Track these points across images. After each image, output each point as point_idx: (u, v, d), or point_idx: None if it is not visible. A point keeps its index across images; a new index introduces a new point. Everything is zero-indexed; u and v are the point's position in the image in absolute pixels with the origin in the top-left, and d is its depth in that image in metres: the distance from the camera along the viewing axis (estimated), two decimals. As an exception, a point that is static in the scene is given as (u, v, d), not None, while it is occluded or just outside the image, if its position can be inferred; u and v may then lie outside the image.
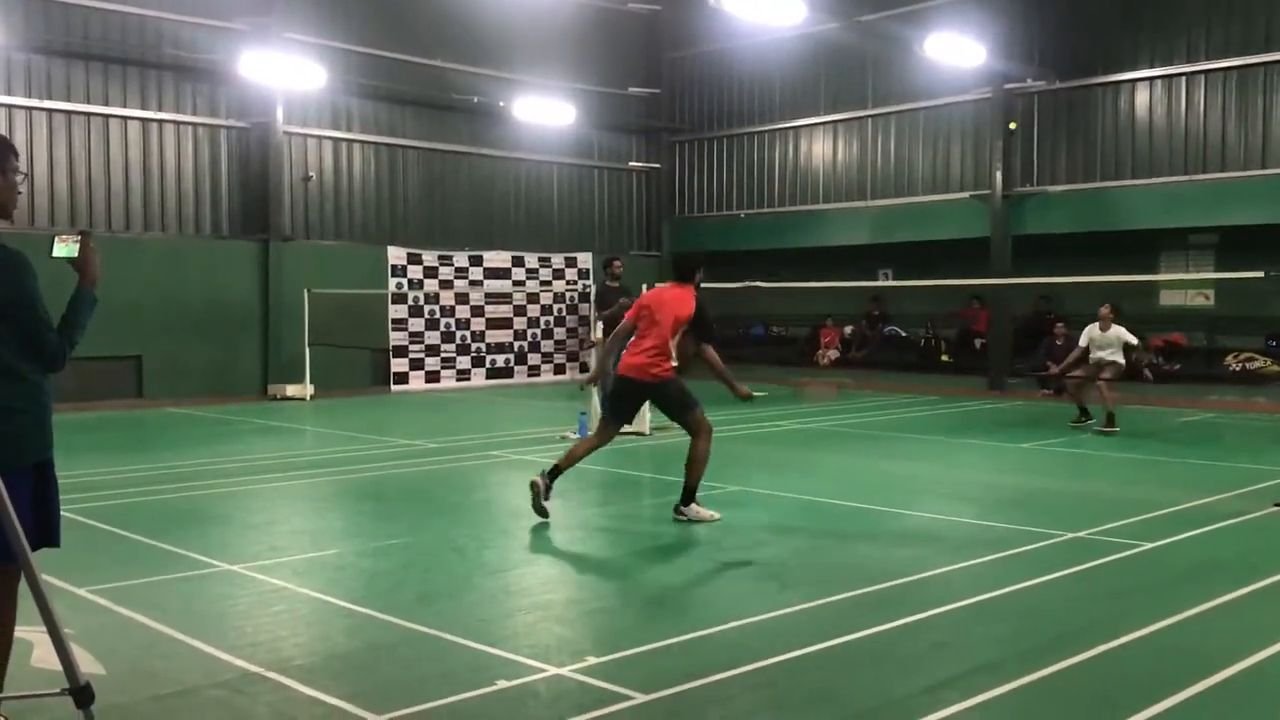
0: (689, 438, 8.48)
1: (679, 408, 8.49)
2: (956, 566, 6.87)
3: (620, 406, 8.70)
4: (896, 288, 22.54)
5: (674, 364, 8.42)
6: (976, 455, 12.43)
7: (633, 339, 8.55)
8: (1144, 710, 4.37)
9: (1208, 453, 12.62)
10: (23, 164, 4.15)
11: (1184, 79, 18.57)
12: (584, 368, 22.07)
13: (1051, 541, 7.56)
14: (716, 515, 8.35)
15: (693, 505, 8.37)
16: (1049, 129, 20.11)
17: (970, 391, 19.80)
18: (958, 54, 18.33)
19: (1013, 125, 20.11)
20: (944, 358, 22.00)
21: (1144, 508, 8.75)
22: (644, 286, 14.30)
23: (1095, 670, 4.91)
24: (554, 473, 8.44)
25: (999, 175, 20.18)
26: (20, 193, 4.07)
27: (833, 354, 23.21)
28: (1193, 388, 18.31)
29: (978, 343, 21.39)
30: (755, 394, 9.18)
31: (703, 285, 8.68)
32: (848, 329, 23.47)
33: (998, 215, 20.17)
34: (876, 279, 22.66)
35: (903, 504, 9.11)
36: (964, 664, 5.02)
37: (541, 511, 8.24)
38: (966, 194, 20.82)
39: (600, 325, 14.58)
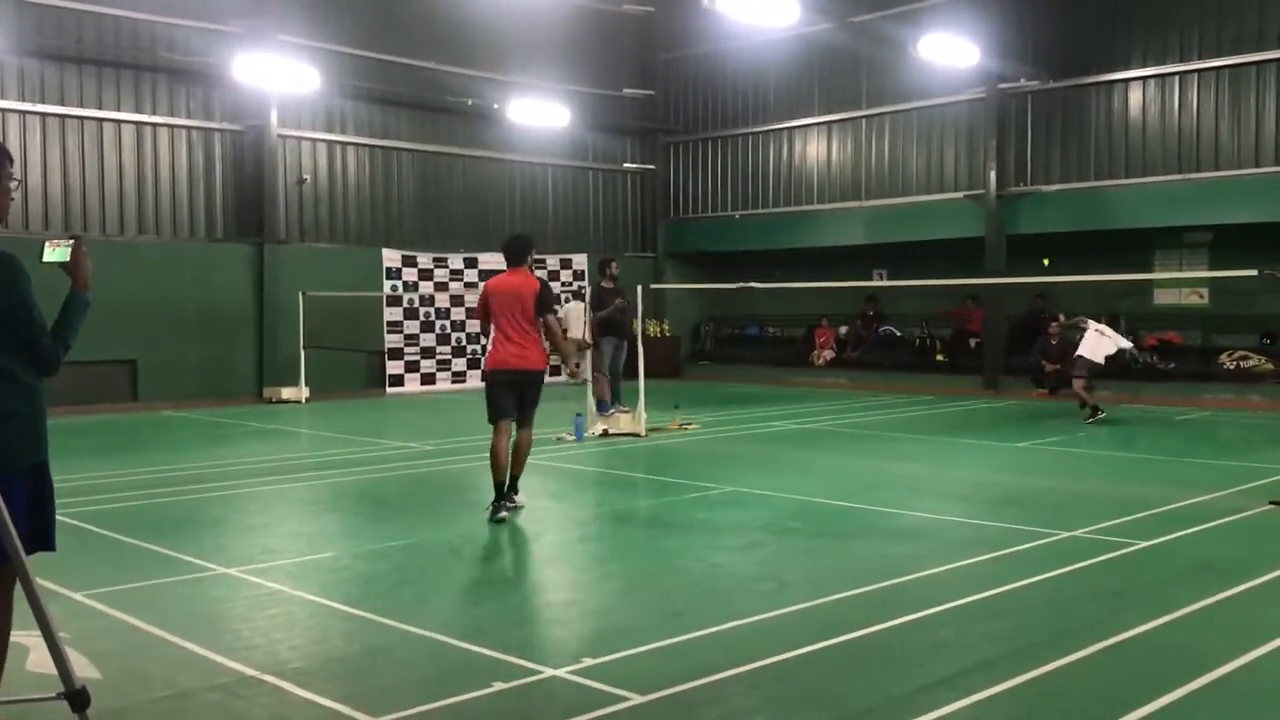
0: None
1: (535, 401, 8.78)
2: (953, 566, 6.88)
3: (500, 400, 8.70)
4: (891, 287, 22.57)
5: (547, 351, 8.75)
6: (972, 454, 12.43)
7: (495, 333, 8.68)
8: (1141, 708, 4.37)
9: (1203, 451, 12.64)
10: (17, 169, 4.14)
11: (1177, 78, 18.61)
12: (578, 368, 22.06)
13: (1047, 540, 7.57)
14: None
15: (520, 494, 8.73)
16: (1042, 129, 20.14)
17: (966, 391, 19.83)
18: (951, 54, 18.35)
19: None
20: (939, 357, 22.03)
21: (1140, 506, 8.76)
22: (638, 288, 14.39)
23: (1092, 668, 4.91)
24: (507, 491, 8.60)
25: (993, 175, 20.22)
26: (14, 199, 4.06)
27: (828, 354, 23.23)
28: (1188, 386, 18.36)
29: (973, 342, 21.42)
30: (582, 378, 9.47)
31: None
32: (843, 329, 23.50)
33: (992, 215, 20.21)
34: (871, 279, 22.69)
35: (899, 503, 9.11)
36: (961, 663, 5.02)
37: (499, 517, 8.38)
38: (961, 194, 20.85)
39: (587, 326, 14.65)
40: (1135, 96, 19.08)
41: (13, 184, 4.05)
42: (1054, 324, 17.74)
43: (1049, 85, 19.87)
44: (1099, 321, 15.68)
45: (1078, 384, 15.29)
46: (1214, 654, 5.02)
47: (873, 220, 22.14)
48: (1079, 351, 15.35)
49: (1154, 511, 8.59)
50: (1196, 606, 5.87)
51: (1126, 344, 15.85)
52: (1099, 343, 15.24)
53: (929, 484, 10.42)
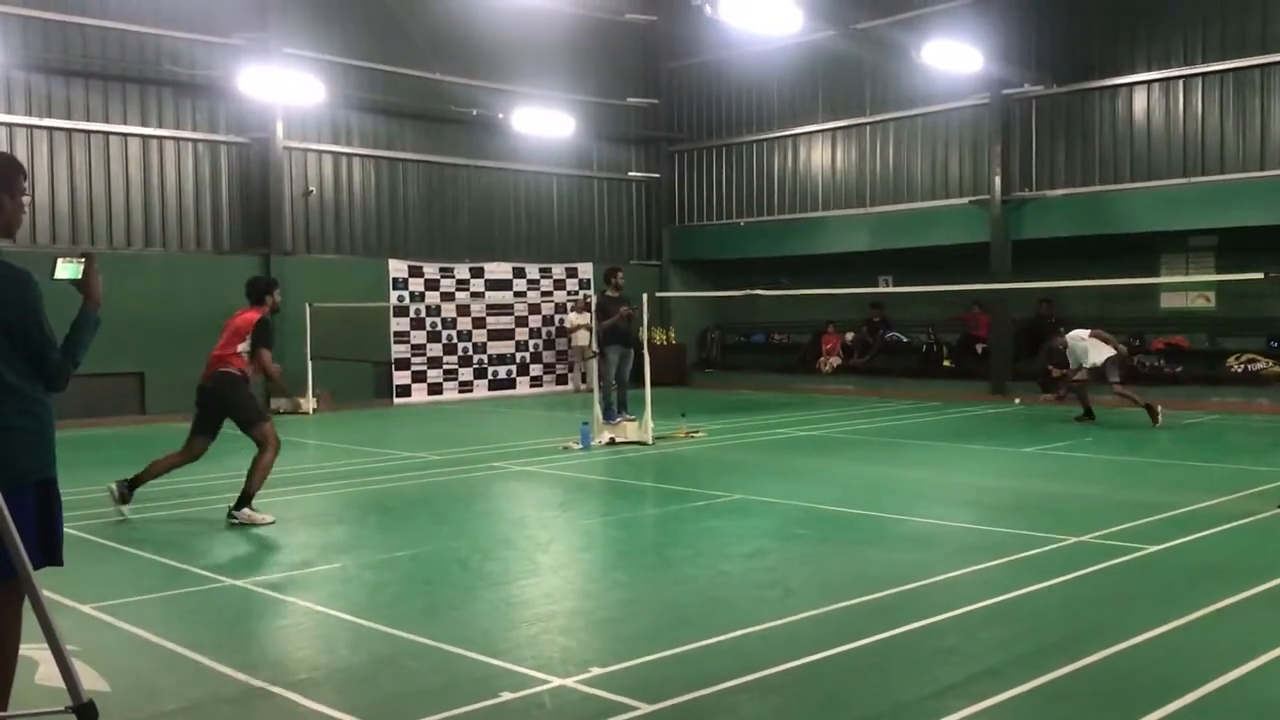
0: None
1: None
2: (961, 572, 6.86)
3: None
4: (897, 293, 22.55)
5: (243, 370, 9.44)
6: (979, 460, 12.41)
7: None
8: (1151, 713, 4.35)
9: (1211, 455, 12.61)
10: (25, 183, 4.17)
11: (1181, 82, 18.60)
12: (584, 377, 22.07)
13: (1055, 546, 7.55)
14: (270, 519, 8.93)
15: (245, 510, 8.95)
16: (1047, 133, 20.14)
17: (972, 396, 19.80)
18: (955, 60, 18.36)
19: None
20: (946, 363, 22.00)
21: (1148, 511, 8.74)
22: (644, 296, 14.40)
23: (1101, 674, 4.90)
24: (134, 483, 9.17)
25: (998, 180, 20.22)
26: (25, 213, 4.07)
27: (834, 361, 23.21)
28: (1195, 390, 18.30)
29: (979, 347, 21.40)
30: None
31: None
32: (849, 335, 23.47)
33: (997, 220, 20.20)
34: (877, 285, 22.68)
35: (906, 509, 9.10)
36: (969, 669, 5.01)
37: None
38: (965, 199, 20.85)
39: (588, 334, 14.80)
40: (1139, 101, 19.07)
41: (24, 199, 4.07)
42: (1057, 337, 17.74)
43: (1053, 90, 19.87)
44: (1088, 330, 15.62)
45: (1119, 389, 15.21)
46: (1224, 659, 5.00)
47: (878, 226, 22.14)
48: (1099, 359, 15.19)
49: (1162, 516, 8.56)
50: (1206, 611, 5.85)
51: (1120, 348, 15.83)
52: (1101, 347, 15.25)
53: (936, 490, 10.41)
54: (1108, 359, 15.13)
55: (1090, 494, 10.00)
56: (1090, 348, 15.26)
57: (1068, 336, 15.77)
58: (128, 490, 9.13)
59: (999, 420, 16.45)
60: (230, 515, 8.93)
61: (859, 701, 4.68)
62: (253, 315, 9.55)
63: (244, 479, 9.05)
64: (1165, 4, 18.68)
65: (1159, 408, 14.96)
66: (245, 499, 8.97)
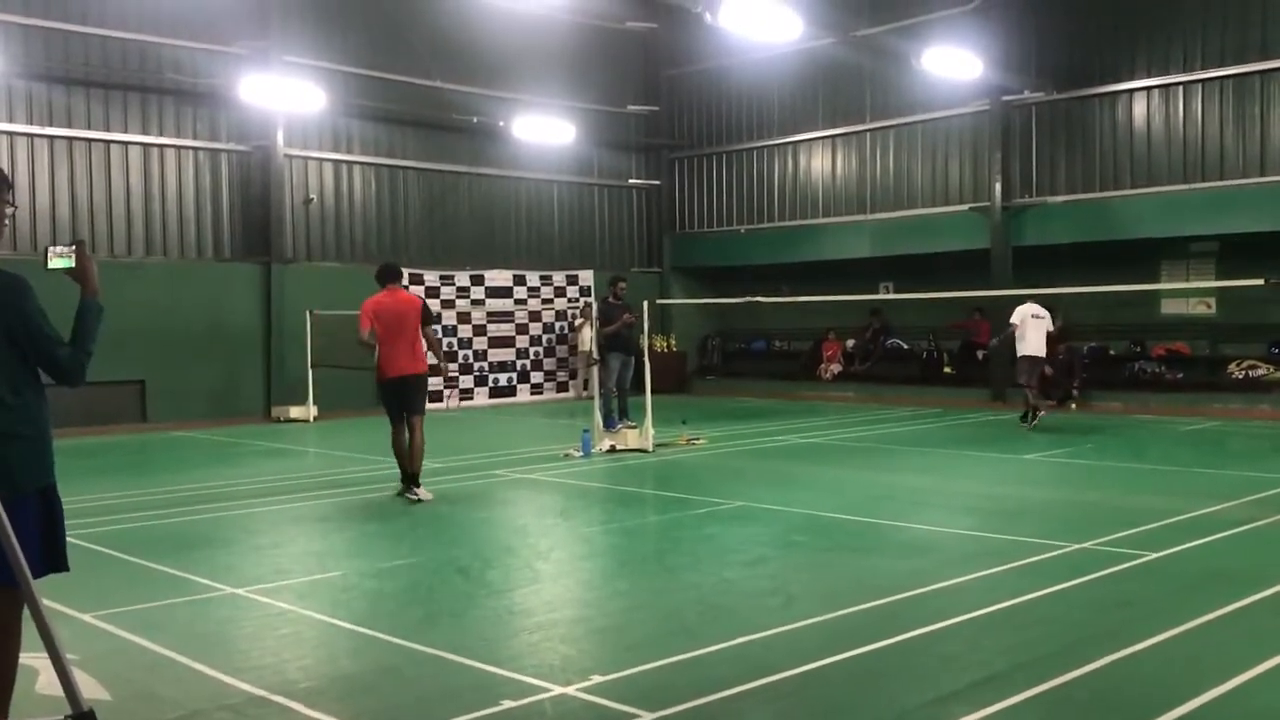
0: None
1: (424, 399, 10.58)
2: (963, 579, 6.85)
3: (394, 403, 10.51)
4: (898, 300, 22.55)
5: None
6: (980, 467, 12.40)
7: (385, 345, 10.64)
8: (1153, 720, 4.35)
9: (1213, 461, 12.60)
10: (25, 190, 4.17)
11: (1181, 88, 18.60)
12: (585, 384, 22.07)
13: (1057, 553, 7.54)
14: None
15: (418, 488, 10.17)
16: (1047, 140, 20.14)
17: (973, 403, 19.79)
18: (955, 67, 18.37)
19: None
20: (947, 370, 21.99)
21: (1149, 517, 8.73)
22: (644, 303, 14.41)
23: (1104, 681, 4.89)
24: (412, 478, 10.18)
25: (998, 187, 20.22)
26: (6, 224, 4.03)
27: (835, 368, 23.19)
28: (1196, 396, 18.30)
29: (980, 354, 21.38)
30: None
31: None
32: (850, 342, 23.46)
33: (997, 226, 20.20)
34: (878, 292, 22.67)
35: (907, 517, 9.09)
36: (973, 676, 5.01)
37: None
38: (966, 206, 20.86)
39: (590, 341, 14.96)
40: (1140, 107, 19.08)
41: (10, 210, 4.05)
42: (1061, 345, 17.80)
43: (1053, 96, 19.88)
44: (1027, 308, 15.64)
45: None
46: (1226, 665, 5.00)
47: (878, 233, 22.14)
48: (1030, 351, 15.43)
49: (1164, 523, 8.55)
50: (1208, 618, 5.84)
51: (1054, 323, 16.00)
52: (1038, 330, 15.38)
53: (937, 497, 10.40)
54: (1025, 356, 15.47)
55: (1091, 500, 9.99)
56: (1032, 332, 15.46)
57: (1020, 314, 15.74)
58: (413, 484, 10.23)
59: (1000, 427, 16.43)
60: (408, 493, 10.18)
61: (862, 708, 4.67)
62: (415, 299, 11.00)
63: (411, 462, 10.24)
64: (1165, 10, 18.69)
65: (1043, 412, 15.50)
66: (415, 477, 10.22)
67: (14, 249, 15.87)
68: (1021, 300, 15.94)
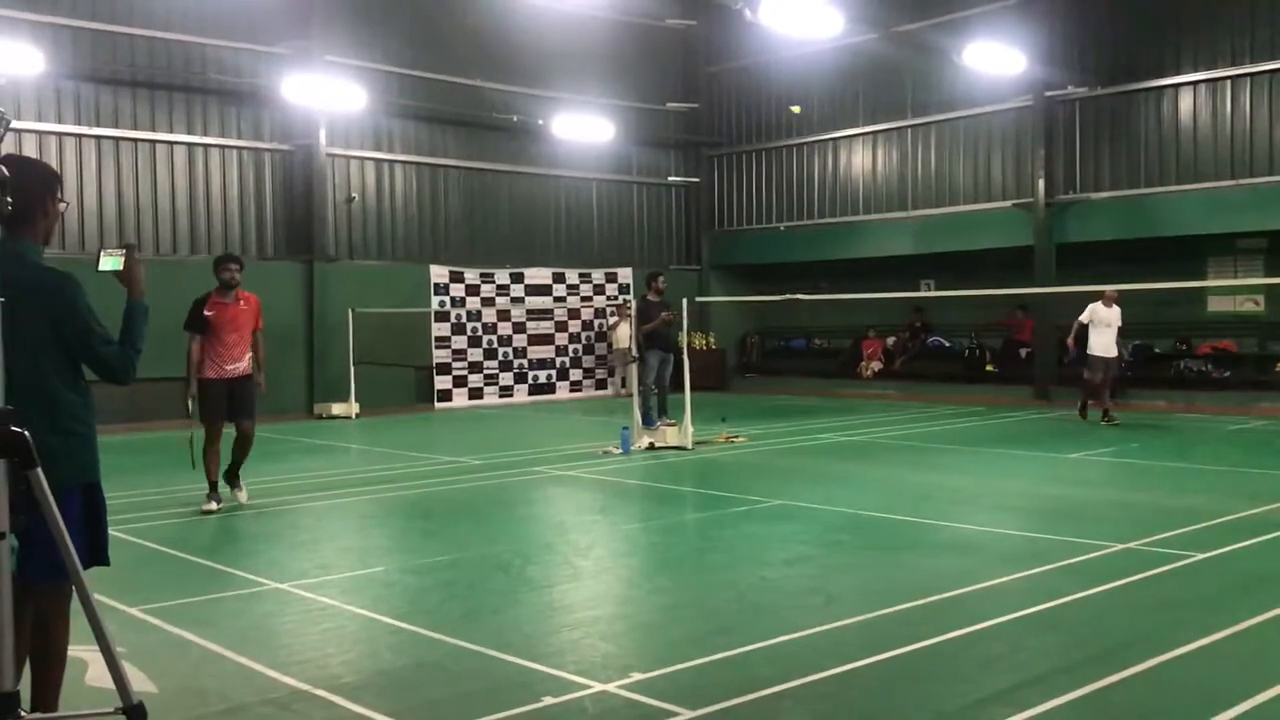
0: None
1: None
2: (1005, 579, 6.80)
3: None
4: (939, 298, 22.39)
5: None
6: (1023, 466, 12.28)
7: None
8: (1199, 724, 4.30)
9: (1260, 461, 12.39)
10: (72, 189, 4.27)
11: (1228, 82, 18.33)
12: (624, 382, 22.10)
13: (1102, 553, 7.46)
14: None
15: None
16: (1091, 136, 19.92)
17: (1016, 401, 19.62)
18: (997, 62, 18.21)
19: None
20: (989, 368, 21.80)
21: (1195, 518, 8.61)
22: (683, 300, 14.40)
23: (1148, 683, 4.83)
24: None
25: (1041, 183, 20.03)
26: (58, 220, 4.17)
27: (876, 365, 23.07)
28: (1243, 395, 18.03)
29: (1023, 352, 21.20)
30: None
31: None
32: (890, 340, 23.34)
33: (1040, 223, 20.01)
34: (919, 289, 22.52)
35: (949, 516, 9.02)
36: (1014, 677, 4.96)
37: None
38: (1009, 203, 20.67)
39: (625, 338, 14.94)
40: (1185, 102, 18.82)
41: (62, 206, 4.15)
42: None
43: (1097, 92, 19.66)
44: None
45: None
46: (1274, 670, 4.92)
47: (920, 230, 22.00)
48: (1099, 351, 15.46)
49: (1210, 523, 8.43)
50: (1255, 620, 5.75)
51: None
52: (1108, 332, 15.46)
53: (979, 496, 10.32)
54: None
55: (1136, 500, 9.87)
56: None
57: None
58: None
59: (1043, 425, 16.28)
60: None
61: (902, 709, 4.64)
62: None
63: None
64: (1211, 3, 18.42)
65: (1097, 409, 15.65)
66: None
67: (63, 248, 16.12)
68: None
